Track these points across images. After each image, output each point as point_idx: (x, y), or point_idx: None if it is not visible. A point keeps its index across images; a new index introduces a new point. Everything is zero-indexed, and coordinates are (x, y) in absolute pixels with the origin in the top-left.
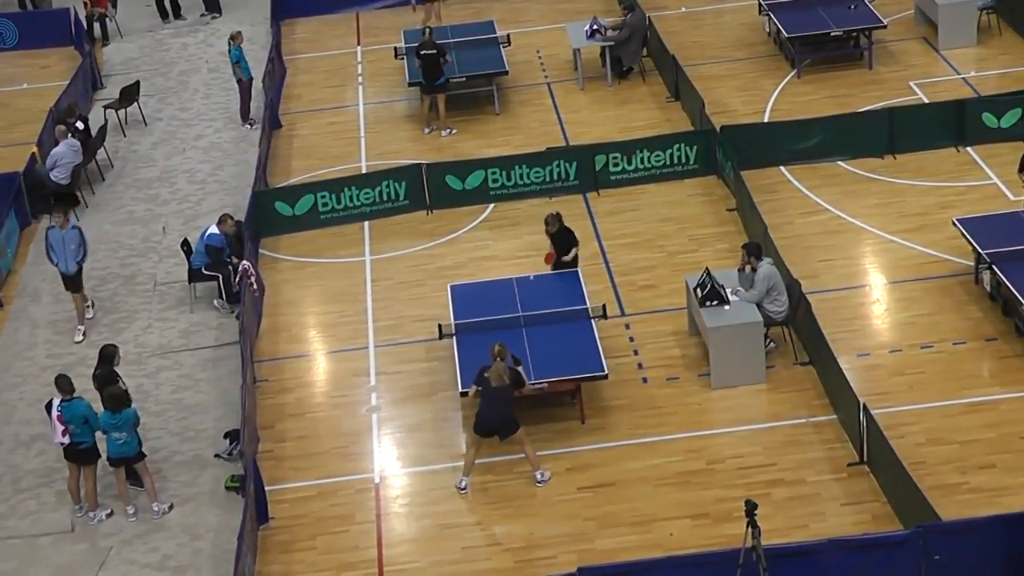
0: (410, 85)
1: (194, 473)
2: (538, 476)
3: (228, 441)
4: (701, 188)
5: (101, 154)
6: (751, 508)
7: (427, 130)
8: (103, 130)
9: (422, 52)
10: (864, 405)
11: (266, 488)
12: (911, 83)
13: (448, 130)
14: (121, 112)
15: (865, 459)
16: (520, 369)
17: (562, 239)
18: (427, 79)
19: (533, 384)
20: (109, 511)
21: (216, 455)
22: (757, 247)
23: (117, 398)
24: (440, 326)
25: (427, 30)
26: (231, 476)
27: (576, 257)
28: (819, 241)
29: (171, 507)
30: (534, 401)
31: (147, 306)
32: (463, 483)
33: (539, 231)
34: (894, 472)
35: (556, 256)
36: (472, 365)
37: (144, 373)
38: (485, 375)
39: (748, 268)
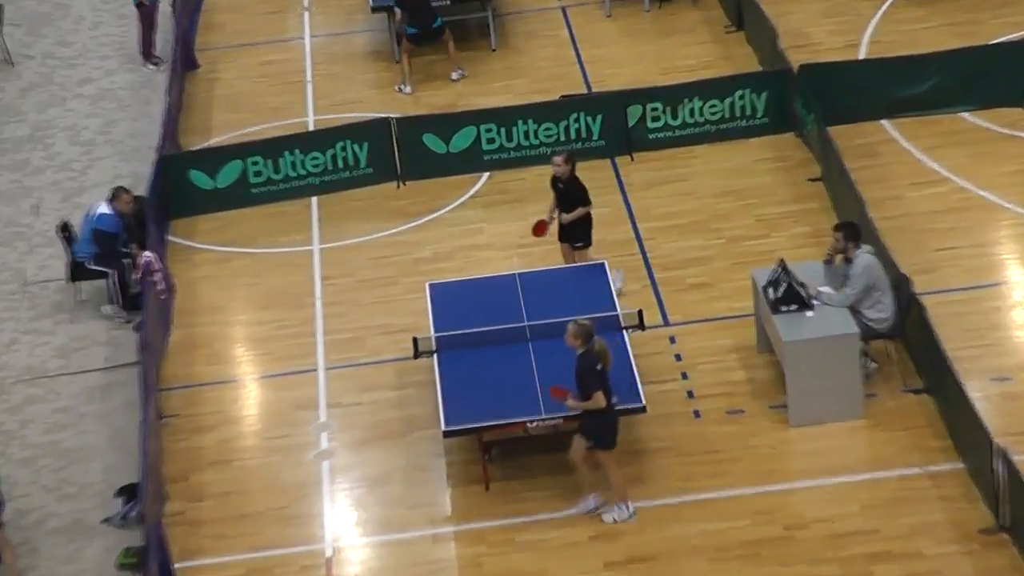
0: (374, 10)
1: (76, 544)
2: (613, 511)
3: (122, 500)
4: (773, 150)
5: None
6: None
7: (401, 87)
8: None
9: None
10: (1001, 449)
11: (175, 565)
12: None
13: (402, 86)
14: None
15: (1004, 523)
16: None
17: (571, 192)
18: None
19: (549, 418)
20: None
21: (105, 519)
22: (855, 229)
23: None
24: (416, 340)
25: None
26: (126, 549)
27: (581, 222)
28: (937, 222)
29: None
30: (544, 443)
31: (12, 314)
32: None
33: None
34: None
35: (565, 203)
36: (459, 392)
37: (6, 406)
38: (600, 368)
39: (840, 259)
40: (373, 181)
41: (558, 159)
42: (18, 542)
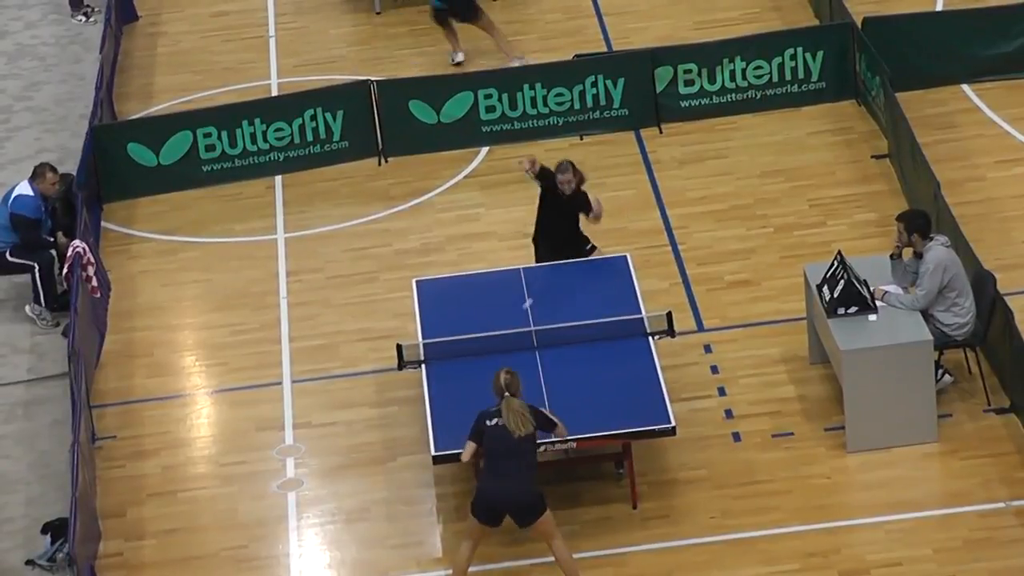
0: None
1: None
2: None
3: (49, 538)
4: (830, 121)
5: None
6: None
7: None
8: None
9: None
10: None
11: None
12: None
13: (519, 59)
14: None
15: None
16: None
17: (575, 204)
18: None
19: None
20: None
21: (30, 561)
22: (920, 219)
23: None
24: (400, 348)
25: None
26: None
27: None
28: None
29: None
30: (556, 470)
31: None
32: None
33: None
34: None
35: (568, 216)
36: (450, 411)
37: None
38: (491, 423)
39: (910, 252)
40: (349, 157)
41: (567, 175)
42: None
